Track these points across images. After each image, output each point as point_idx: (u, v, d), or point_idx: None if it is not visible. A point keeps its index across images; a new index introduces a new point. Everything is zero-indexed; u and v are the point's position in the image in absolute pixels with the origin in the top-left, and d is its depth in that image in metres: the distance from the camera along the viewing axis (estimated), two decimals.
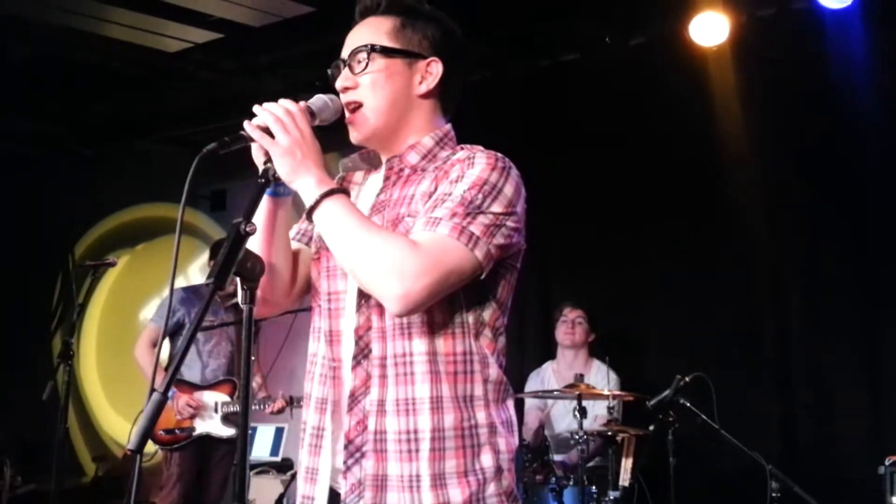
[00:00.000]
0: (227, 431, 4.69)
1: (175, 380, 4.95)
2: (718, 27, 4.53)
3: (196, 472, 4.71)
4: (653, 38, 4.90)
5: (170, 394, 4.97)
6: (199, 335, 4.69)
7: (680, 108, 4.82)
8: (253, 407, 4.63)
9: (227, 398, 4.72)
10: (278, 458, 5.99)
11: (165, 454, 4.73)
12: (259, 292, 1.61)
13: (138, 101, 6.54)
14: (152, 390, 1.41)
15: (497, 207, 1.53)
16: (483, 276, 1.53)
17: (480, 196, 1.52)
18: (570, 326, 4.71)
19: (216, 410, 4.70)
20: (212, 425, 4.69)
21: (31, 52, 5.81)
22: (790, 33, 4.53)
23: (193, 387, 4.73)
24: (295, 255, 1.71)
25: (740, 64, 4.65)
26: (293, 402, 4.60)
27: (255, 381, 4.89)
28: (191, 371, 4.78)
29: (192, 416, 4.68)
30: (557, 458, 4.39)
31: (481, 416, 1.55)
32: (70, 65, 5.95)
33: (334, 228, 1.52)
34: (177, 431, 4.67)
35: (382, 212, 1.61)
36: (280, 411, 4.63)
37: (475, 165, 1.56)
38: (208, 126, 6.28)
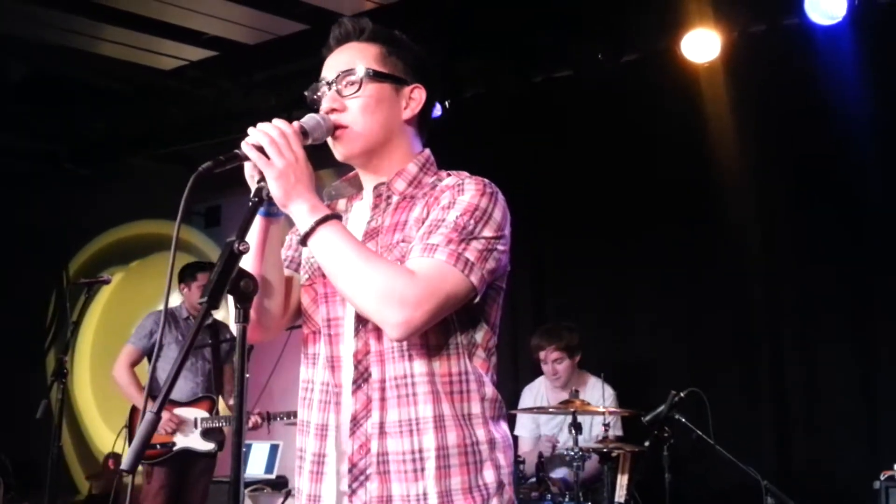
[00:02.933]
0: (207, 446, 4.87)
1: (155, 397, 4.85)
2: (710, 44, 4.55)
3: (175, 486, 4.85)
4: (645, 55, 4.92)
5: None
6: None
7: (672, 123, 4.85)
8: (222, 424, 4.83)
9: (206, 414, 4.89)
10: (273, 476, 5.96)
11: (146, 469, 4.85)
12: (254, 314, 1.62)
13: (133, 119, 6.54)
14: (144, 411, 1.40)
15: (488, 232, 1.58)
16: (476, 301, 1.58)
17: (472, 222, 1.57)
18: (552, 370, 4.60)
19: (196, 426, 4.86)
20: (192, 440, 4.85)
21: (26, 71, 5.82)
22: (781, 49, 4.56)
23: (174, 403, 4.86)
24: (288, 281, 1.71)
25: (732, 80, 4.67)
26: (270, 418, 4.66)
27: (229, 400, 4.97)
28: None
29: (174, 432, 4.83)
30: (557, 474, 4.36)
31: (481, 433, 1.59)
32: (65, 83, 5.97)
33: (331, 256, 1.54)
34: (158, 446, 4.79)
35: (376, 238, 1.64)
36: (255, 427, 4.70)
37: (465, 192, 1.61)
38: (203, 143, 6.29)
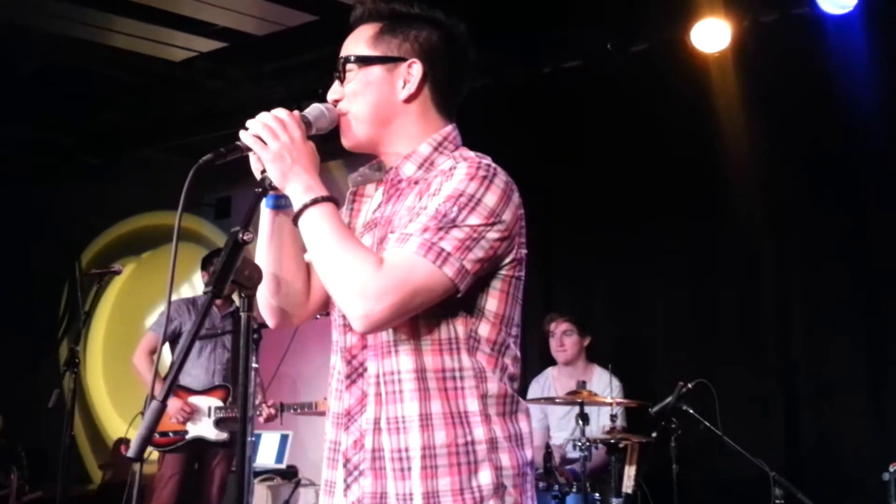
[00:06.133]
0: (220, 435, 4.85)
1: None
2: (720, 33, 4.53)
3: (188, 475, 4.87)
4: (654, 45, 4.90)
5: None
6: (197, 342, 4.81)
7: (682, 114, 4.83)
8: (236, 413, 4.76)
9: (220, 403, 4.88)
10: (283, 465, 6.00)
11: (159, 456, 4.89)
12: (275, 302, 1.65)
13: (144, 111, 6.56)
14: (151, 398, 1.42)
15: (475, 219, 1.47)
16: (461, 294, 1.48)
17: (455, 209, 1.47)
18: (558, 342, 4.65)
19: (209, 415, 4.86)
20: (204, 429, 4.85)
21: (37, 63, 5.85)
22: (792, 39, 4.53)
23: (188, 391, 4.88)
24: (310, 267, 1.68)
25: (742, 70, 4.65)
26: (283, 409, 4.62)
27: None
28: (187, 376, 4.92)
29: (186, 420, 4.84)
30: (567, 465, 4.37)
31: (479, 431, 1.50)
32: (76, 75, 5.99)
33: (314, 239, 1.50)
34: (170, 434, 4.81)
35: (374, 229, 1.60)
36: (270, 419, 4.59)
37: (454, 177, 1.51)
38: (213, 135, 6.30)
